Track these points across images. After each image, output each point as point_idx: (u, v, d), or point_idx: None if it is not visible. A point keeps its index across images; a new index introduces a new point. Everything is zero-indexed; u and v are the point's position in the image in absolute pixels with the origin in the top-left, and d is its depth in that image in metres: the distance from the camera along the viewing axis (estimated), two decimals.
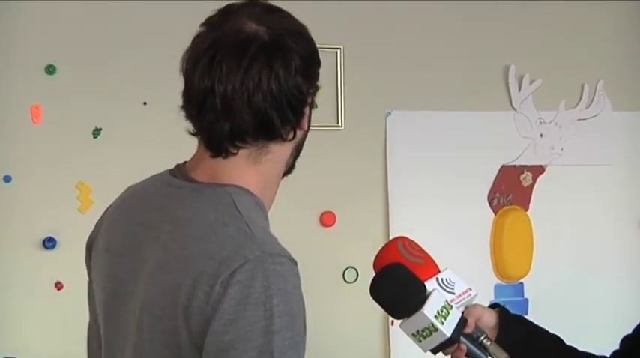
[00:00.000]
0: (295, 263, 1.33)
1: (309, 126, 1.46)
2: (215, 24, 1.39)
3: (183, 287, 1.28)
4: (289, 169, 1.49)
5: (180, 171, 1.45)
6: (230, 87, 1.33)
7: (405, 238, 1.60)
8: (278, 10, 1.43)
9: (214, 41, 1.36)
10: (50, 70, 2.84)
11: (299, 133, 1.42)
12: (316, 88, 1.44)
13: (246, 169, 1.39)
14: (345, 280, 3.13)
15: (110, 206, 1.57)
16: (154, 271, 1.35)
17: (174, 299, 1.29)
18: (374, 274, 1.55)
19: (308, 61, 1.40)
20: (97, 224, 1.57)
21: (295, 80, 1.37)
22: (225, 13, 1.41)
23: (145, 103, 2.90)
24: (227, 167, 1.39)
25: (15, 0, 2.80)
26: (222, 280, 1.25)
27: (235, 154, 1.38)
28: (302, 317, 1.30)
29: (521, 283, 3.34)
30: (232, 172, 1.39)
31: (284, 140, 1.39)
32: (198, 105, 1.37)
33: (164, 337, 1.31)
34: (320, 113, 3.03)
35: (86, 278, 1.58)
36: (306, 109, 1.42)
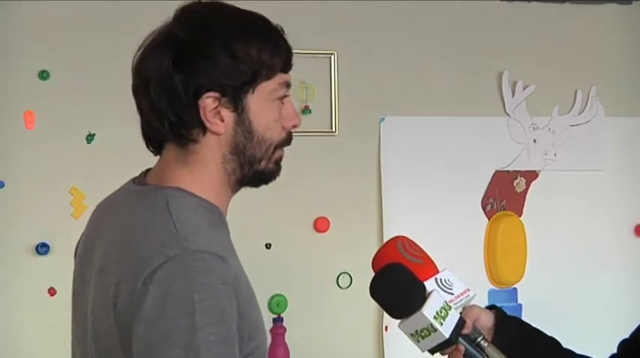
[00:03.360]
0: (223, 259, 1.29)
1: (237, 127, 1.39)
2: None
3: (113, 287, 1.30)
4: (256, 178, 1.44)
5: (140, 176, 1.49)
6: (135, 83, 1.41)
7: (405, 237, 1.60)
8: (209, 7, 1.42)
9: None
10: (44, 75, 2.84)
11: (208, 135, 1.38)
12: (226, 85, 1.36)
13: (179, 171, 1.41)
14: (338, 285, 3.13)
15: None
16: (98, 274, 1.38)
17: (108, 299, 1.31)
18: (371, 276, 1.54)
19: (186, 53, 1.35)
20: (82, 233, 1.60)
21: (170, 77, 1.35)
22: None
23: None
24: (165, 169, 1.42)
25: (8, 4, 2.80)
26: (144, 278, 1.26)
27: (161, 153, 1.43)
28: (231, 311, 1.27)
29: (515, 288, 3.34)
30: (170, 174, 1.41)
31: (188, 140, 1.38)
32: None
33: (105, 337, 1.33)
34: (314, 119, 3.04)
35: None
36: (202, 109, 1.35)
